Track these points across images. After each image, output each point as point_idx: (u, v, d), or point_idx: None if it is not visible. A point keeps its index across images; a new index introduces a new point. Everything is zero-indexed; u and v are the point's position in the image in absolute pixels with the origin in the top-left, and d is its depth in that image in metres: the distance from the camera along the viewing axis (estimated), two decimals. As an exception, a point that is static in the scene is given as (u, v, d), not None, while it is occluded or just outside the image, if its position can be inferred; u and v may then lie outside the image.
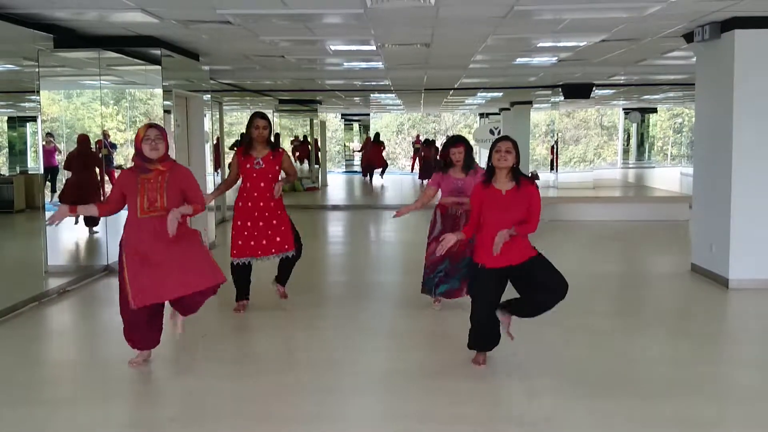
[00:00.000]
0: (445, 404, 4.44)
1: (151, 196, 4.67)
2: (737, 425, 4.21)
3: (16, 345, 5.81)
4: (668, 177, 23.28)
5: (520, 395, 4.63)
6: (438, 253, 5.02)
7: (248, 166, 6.26)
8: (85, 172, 9.57)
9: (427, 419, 4.22)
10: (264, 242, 6.29)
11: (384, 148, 25.45)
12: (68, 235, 9.85)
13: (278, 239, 6.31)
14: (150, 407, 4.53)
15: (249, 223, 6.28)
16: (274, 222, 6.30)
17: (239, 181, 6.46)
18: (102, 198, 9.66)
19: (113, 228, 9.47)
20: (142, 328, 4.88)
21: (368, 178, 24.31)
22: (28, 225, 9.93)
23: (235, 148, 6.64)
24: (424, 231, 6.80)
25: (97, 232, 9.79)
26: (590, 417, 4.27)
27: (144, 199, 4.66)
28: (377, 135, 25.46)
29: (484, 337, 4.99)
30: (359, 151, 26.75)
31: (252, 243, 6.29)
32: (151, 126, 4.76)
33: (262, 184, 6.25)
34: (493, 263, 4.77)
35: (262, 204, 6.26)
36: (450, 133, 40.26)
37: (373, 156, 24.27)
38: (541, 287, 4.79)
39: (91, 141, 9.63)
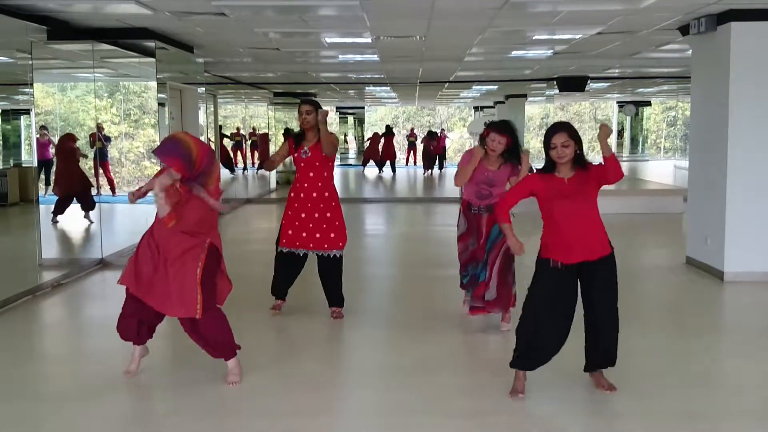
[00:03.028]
0: (444, 398, 4.43)
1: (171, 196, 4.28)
2: (733, 417, 4.21)
3: (9, 339, 5.78)
4: (662, 170, 23.31)
5: (516, 388, 4.63)
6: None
7: (296, 155, 5.99)
8: (70, 163, 9.55)
9: (426, 413, 4.21)
10: (318, 236, 5.95)
11: (393, 135, 25.25)
12: (62, 227, 9.82)
13: (332, 235, 5.96)
14: (145, 402, 4.51)
15: (303, 215, 5.95)
16: (328, 215, 5.96)
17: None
18: (86, 188, 9.69)
19: (107, 221, 9.46)
20: (131, 316, 4.58)
21: (379, 169, 24.39)
22: (22, 218, 9.91)
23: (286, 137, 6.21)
24: (421, 223, 6.77)
25: (92, 222, 9.76)
26: (588, 410, 4.28)
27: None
28: (389, 127, 25.34)
29: (529, 351, 4.27)
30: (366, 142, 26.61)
31: (304, 234, 5.95)
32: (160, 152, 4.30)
33: (311, 174, 5.95)
34: (565, 258, 4.14)
35: (314, 195, 5.94)
36: (445, 126, 40.30)
37: (386, 148, 24.31)
38: (597, 301, 4.25)
39: (79, 137, 9.61)
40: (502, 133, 5.49)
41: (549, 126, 4.36)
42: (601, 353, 4.36)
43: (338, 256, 6.04)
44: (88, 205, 9.80)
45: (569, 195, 4.15)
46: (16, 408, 4.30)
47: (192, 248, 4.40)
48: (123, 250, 8.96)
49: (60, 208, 9.64)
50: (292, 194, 6.04)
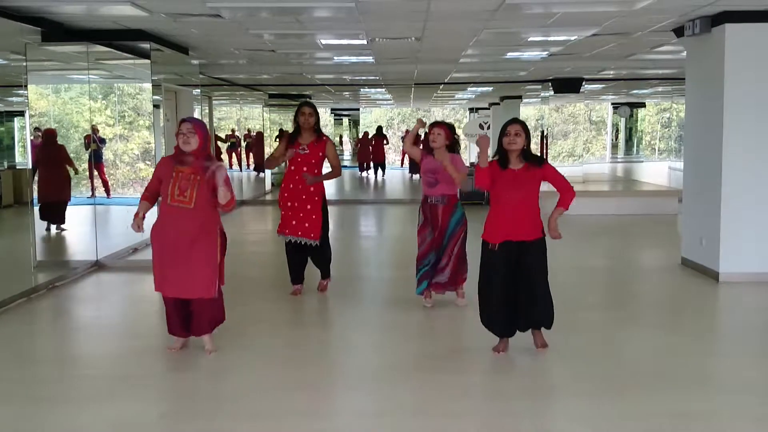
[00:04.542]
0: (438, 399, 4.43)
1: (182, 186, 4.84)
2: (729, 418, 4.21)
3: (4, 341, 5.77)
4: (657, 171, 23.35)
5: (513, 390, 4.63)
6: None
7: (295, 150, 6.58)
8: (54, 168, 9.42)
9: (420, 413, 4.21)
10: (306, 225, 6.61)
11: (387, 141, 25.02)
12: (57, 230, 9.78)
13: (307, 225, 6.61)
14: (140, 404, 4.49)
15: (295, 204, 6.59)
16: (309, 207, 6.59)
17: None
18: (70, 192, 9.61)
19: (102, 224, 9.44)
20: (171, 315, 5.11)
21: (374, 172, 24.15)
22: (17, 220, 9.84)
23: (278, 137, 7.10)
24: (414, 224, 6.80)
25: (64, 230, 9.67)
26: (583, 411, 4.28)
27: (176, 187, 4.84)
28: (380, 128, 25.24)
29: (497, 322, 5.01)
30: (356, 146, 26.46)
31: (294, 222, 6.63)
32: (185, 120, 4.99)
33: (305, 169, 6.57)
34: (502, 238, 4.86)
35: (301, 187, 6.57)
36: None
37: (377, 150, 24.11)
38: (528, 276, 4.91)
39: (73, 138, 9.50)
40: (439, 125, 6.31)
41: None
42: (538, 314, 4.97)
43: (313, 245, 6.67)
44: (58, 218, 9.64)
45: (517, 186, 4.86)
46: (11, 410, 4.28)
47: (209, 234, 4.91)
48: (118, 252, 8.94)
49: (46, 217, 9.46)
50: (284, 185, 6.72)
